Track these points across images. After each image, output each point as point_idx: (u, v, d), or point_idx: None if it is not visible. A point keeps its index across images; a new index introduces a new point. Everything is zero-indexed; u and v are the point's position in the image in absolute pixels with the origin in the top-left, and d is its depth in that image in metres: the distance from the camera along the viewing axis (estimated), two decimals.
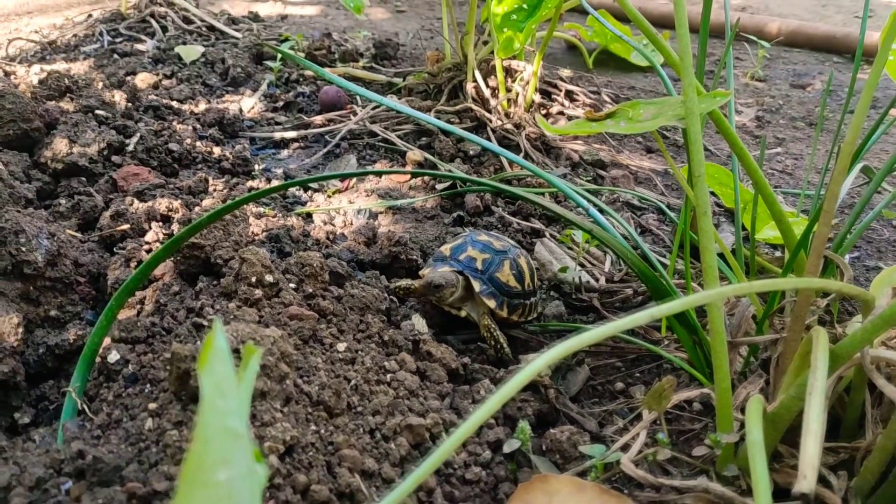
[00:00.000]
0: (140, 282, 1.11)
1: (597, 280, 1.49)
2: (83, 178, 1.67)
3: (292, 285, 1.22)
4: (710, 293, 0.76)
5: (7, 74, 2.42)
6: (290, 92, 2.51)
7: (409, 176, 1.95)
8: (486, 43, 2.34)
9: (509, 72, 2.21)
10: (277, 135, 2.16)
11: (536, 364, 0.64)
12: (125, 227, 1.38)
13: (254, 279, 1.17)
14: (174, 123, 1.98)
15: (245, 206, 1.58)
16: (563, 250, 1.57)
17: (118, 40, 2.96)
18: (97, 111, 1.88)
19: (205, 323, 1.10)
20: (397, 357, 1.11)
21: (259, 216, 1.57)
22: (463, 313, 1.34)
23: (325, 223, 1.74)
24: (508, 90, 2.19)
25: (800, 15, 3.63)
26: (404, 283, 1.38)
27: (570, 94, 2.33)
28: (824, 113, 2.58)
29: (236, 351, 0.89)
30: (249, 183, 1.82)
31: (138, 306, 1.25)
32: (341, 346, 1.10)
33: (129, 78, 2.45)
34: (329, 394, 0.95)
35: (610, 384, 1.21)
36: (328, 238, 1.61)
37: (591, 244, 1.56)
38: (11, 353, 1.11)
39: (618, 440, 1.03)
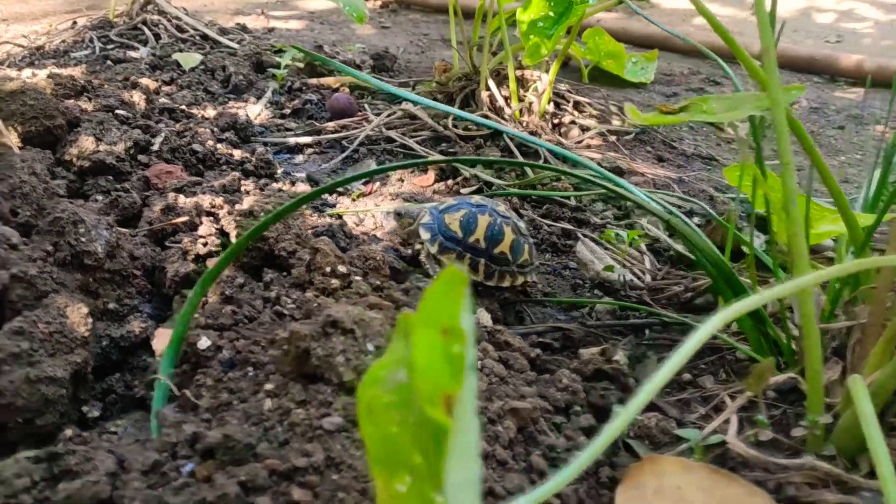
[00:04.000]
0: (222, 269, 1.09)
1: (639, 279, 1.51)
2: (110, 177, 1.63)
3: (358, 277, 1.21)
4: (808, 278, 0.79)
5: None
6: (296, 99, 2.50)
7: (432, 180, 1.95)
8: (494, 53, 2.37)
9: (521, 81, 2.24)
10: (292, 140, 2.14)
11: (713, 323, 0.66)
12: (182, 219, 1.35)
13: (328, 269, 1.16)
14: (193, 125, 1.95)
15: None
16: (602, 250, 1.59)
17: (109, 47, 2.90)
18: (117, 111, 1.85)
19: (285, 311, 1.09)
20: (479, 346, 1.11)
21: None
22: (418, 247, 1.44)
23: (357, 224, 1.73)
24: (521, 99, 2.22)
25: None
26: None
27: (577, 105, 2.37)
28: (814, 129, 2.68)
29: (350, 331, 0.88)
30: (276, 185, 1.80)
31: (204, 298, 1.22)
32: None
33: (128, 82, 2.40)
34: None
35: (676, 375, 1.23)
36: (364, 237, 1.61)
37: (636, 244, 1.59)
38: (82, 343, 1.07)
39: (703, 426, 1.05)
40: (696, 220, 1.83)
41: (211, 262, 1.30)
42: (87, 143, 1.64)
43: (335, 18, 4.13)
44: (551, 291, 1.52)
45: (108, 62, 2.74)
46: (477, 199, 1.44)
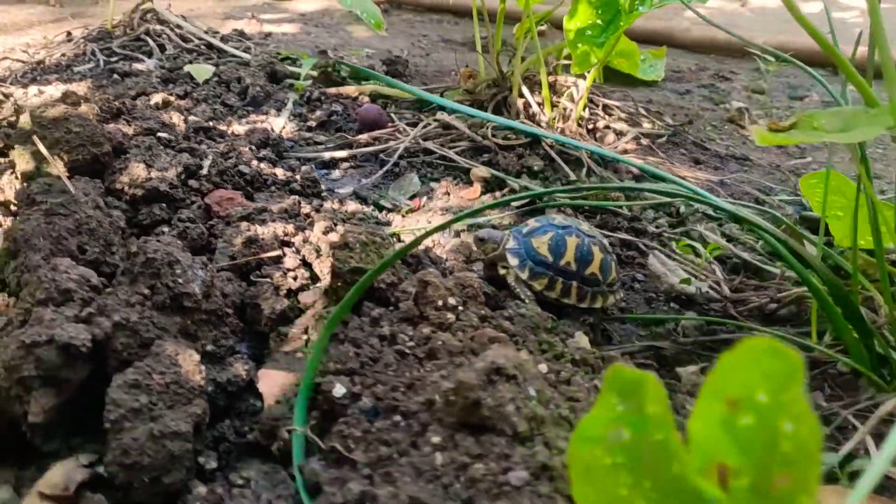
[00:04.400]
0: (348, 310, 1.07)
1: (716, 290, 1.51)
2: (163, 204, 1.58)
3: (460, 308, 1.19)
4: None
5: (6, 97, 2.27)
6: (317, 111, 2.45)
7: (479, 192, 1.93)
8: (523, 59, 2.35)
9: (553, 87, 2.23)
10: (326, 154, 2.10)
11: None
12: (273, 253, 1.31)
13: (440, 303, 1.14)
14: (233, 145, 1.90)
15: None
16: (672, 262, 1.59)
17: (113, 59, 2.82)
18: (159, 133, 1.79)
19: (406, 350, 1.06)
20: (599, 375, 1.10)
21: None
22: (503, 272, 1.40)
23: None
24: (554, 105, 2.21)
25: (774, 28, 3.81)
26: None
27: (606, 108, 2.37)
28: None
29: (513, 377, 0.86)
30: (328, 204, 1.76)
31: (304, 336, 1.19)
32: (543, 368, 1.08)
33: (141, 98, 2.34)
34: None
35: None
36: (433, 259, 1.58)
37: (712, 255, 1.59)
38: (199, 392, 1.04)
39: (833, 448, 1.05)
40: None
41: (304, 298, 1.26)
42: (138, 170, 1.59)
43: (328, 21, 4.07)
44: (627, 307, 1.51)
45: (115, 76, 2.66)
46: (559, 219, 1.43)
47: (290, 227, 1.45)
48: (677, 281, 1.52)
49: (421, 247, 1.68)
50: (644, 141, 2.24)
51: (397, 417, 0.92)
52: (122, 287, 1.16)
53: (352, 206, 1.81)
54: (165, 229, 1.46)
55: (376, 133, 2.21)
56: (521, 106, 2.18)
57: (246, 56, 2.87)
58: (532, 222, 1.42)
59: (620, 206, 1.82)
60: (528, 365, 0.89)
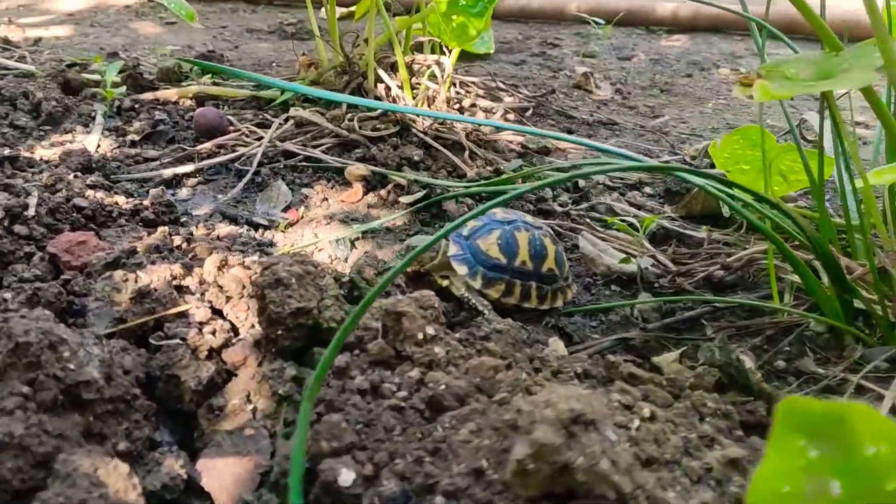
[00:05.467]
0: (328, 367, 0.83)
1: (659, 266, 1.42)
2: None
3: (440, 336, 0.99)
4: None
5: None
6: (134, 121, 2.09)
7: (360, 194, 1.71)
8: (366, 41, 2.14)
9: (409, 68, 2.04)
10: (167, 171, 1.78)
11: None
12: (182, 307, 1.02)
13: (419, 335, 0.93)
14: (57, 174, 1.54)
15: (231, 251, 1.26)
16: (601, 242, 1.48)
17: None
18: None
19: (403, 405, 0.85)
20: (614, 387, 0.95)
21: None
22: (445, 283, 1.24)
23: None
24: (414, 87, 2.03)
25: None
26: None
27: (464, 86, 2.22)
28: (666, 79, 2.75)
29: (592, 422, 0.69)
30: (197, 230, 1.47)
31: (248, 407, 0.93)
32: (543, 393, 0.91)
33: None
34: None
35: (766, 363, 1.15)
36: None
37: (644, 229, 1.48)
38: None
39: None
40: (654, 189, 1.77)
41: (230, 356, 1.00)
42: None
43: (104, 19, 3.59)
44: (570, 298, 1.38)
45: None
46: (498, 213, 1.26)
47: (177, 269, 1.16)
48: (614, 262, 1.41)
49: (327, 264, 1.45)
50: (511, 116, 2.12)
51: (439, 500, 0.71)
52: None
53: (223, 228, 1.52)
54: (7, 296, 1.11)
55: (220, 140, 1.91)
56: (383, 91, 1.97)
57: (26, 67, 2.40)
58: (471, 222, 1.24)
59: (522, 188, 1.67)
60: (594, 402, 0.71)
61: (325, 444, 0.77)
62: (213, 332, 1.01)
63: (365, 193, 1.72)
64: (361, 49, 2.12)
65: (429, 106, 1.99)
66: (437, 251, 1.21)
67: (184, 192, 1.76)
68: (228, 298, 1.09)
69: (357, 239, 1.57)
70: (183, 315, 1.04)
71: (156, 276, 1.11)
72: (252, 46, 3.09)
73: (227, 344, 1.01)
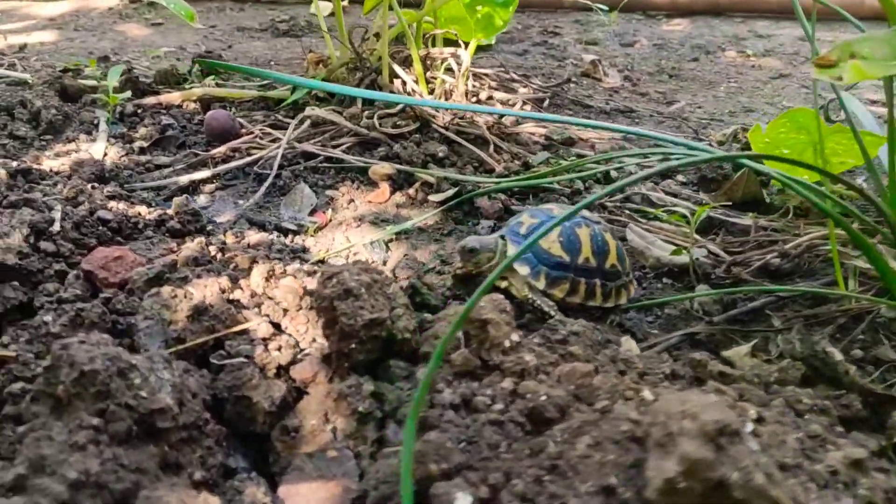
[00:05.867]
0: (429, 386, 0.78)
1: (713, 256, 1.38)
2: (15, 283, 1.15)
3: (522, 342, 0.94)
4: None
5: None
6: (140, 127, 2.02)
7: (388, 195, 1.66)
8: (376, 35, 2.08)
9: (423, 62, 1.99)
10: (183, 178, 1.71)
11: None
12: (245, 325, 0.96)
13: (507, 343, 0.88)
14: (78, 186, 1.47)
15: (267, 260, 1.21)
16: (648, 234, 1.43)
17: None
18: None
19: (503, 419, 0.80)
20: (708, 387, 0.91)
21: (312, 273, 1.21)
22: (504, 284, 1.18)
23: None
24: (429, 81, 1.97)
25: None
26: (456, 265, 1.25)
27: (477, 77, 2.17)
28: (673, 64, 2.72)
29: (736, 432, 0.64)
30: (227, 239, 1.41)
31: (327, 427, 0.88)
32: (647, 395, 0.87)
33: None
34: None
35: (848, 357, 1.11)
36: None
37: (697, 219, 1.44)
38: None
39: None
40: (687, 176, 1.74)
41: (298, 373, 0.94)
42: None
43: (88, 22, 3.48)
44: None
45: None
46: (551, 208, 1.21)
47: (224, 281, 1.10)
48: (665, 254, 1.37)
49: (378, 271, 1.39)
50: (528, 106, 2.07)
51: None
52: (49, 422, 0.78)
53: (252, 236, 1.46)
54: (48, 318, 1.04)
55: (233, 143, 1.84)
56: (399, 87, 1.92)
57: (19, 74, 2.31)
58: (526, 218, 1.19)
59: (554, 181, 1.62)
60: (727, 409, 0.67)
61: (433, 466, 0.72)
62: (279, 349, 0.95)
63: (392, 193, 1.66)
64: (371, 44, 2.06)
65: (446, 99, 1.94)
66: (495, 251, 1.16)
67: (202, 200, 1.69)
68: (285, 311, 1.03)
69: (390, 240, 1.52)
70: (243, 331, 0.98)
71: (207, 290, 1.05)
72: (246, 45, 3.01)
73: (294, 360, 0.95)
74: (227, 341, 0.97)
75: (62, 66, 2.50)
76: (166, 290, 1.05)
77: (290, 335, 0.99)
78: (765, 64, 2.65)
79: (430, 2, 2.02)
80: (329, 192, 1.67)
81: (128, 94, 2.11)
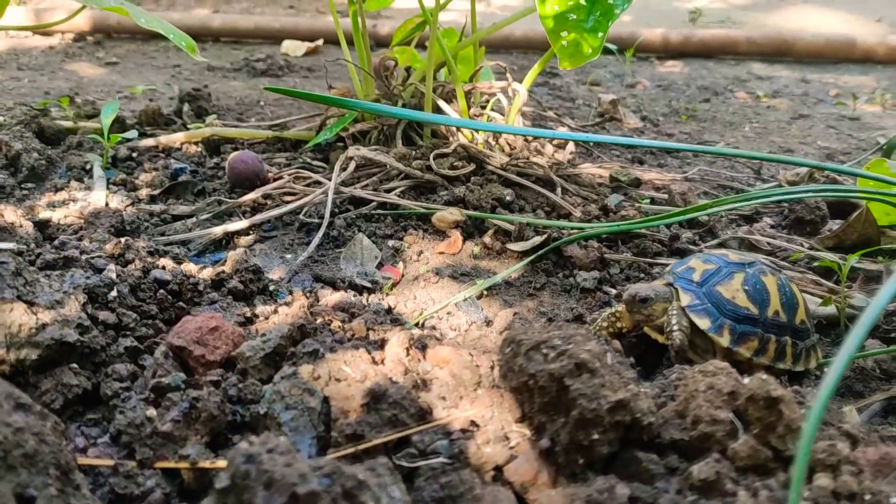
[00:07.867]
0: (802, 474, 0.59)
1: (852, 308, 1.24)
2: (74, 365, 0.90)
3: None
4: None
5: None
6: (140, 173, 1.75)
7: (460, 245, 1.46)
8: (407, 70, 1.90)
9: (468, 97, 1.81)
10: (217, 230, 1.46)
11: None
12: (447, 418, 0.74)
13: (797, 425, 0.70)
14: (128, 243, 1.21)
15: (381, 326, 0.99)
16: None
17: None
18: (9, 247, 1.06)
19: None
20: None
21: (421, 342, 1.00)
22: (662, 339, 1.02)
23: (453, 328, 1.21)
24: (474, 117, 1.79)
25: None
26: (606, 314, 1.08)
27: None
28: (686, 105, 2.63)
29: None
30: (300, 302, 1.17)
31: None
32: None
33: None
34: None
35: None
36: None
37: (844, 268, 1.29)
38: None
39: None
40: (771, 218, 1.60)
41: (514, 473, 0.73)
42: (16, 315, 0.88)
43: (29, 61, 3.16)
44: None
45: None
46: (726, 254, 1.04)
47: (364, 356, 0.88)
48: (811, 306, 1.22)
49: (442, 331, 1.19)
50: (572, 146, 1.92)
51: None
52: None
53: (328, 296, 1.24)
54: (154, 413, 0.79)
55: (265, 189, 1.61)
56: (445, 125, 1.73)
57: None
58: (698, 264, 1.02)
59: (649, 226, 1.46)
60: None
61: None
62: (488, 442, 0.74)
63: (464, 242, 1.46)
64: (398, 79, 1.88)
65: (501, 137, 1.77)
66: (670, 301, 0.98)
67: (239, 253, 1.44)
68: (461, 393, 0.82)
69: (480, 297, 1.32)
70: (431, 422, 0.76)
71: (357, 369, 0.83)
72: (223, 85, 2.76)
73: (510, 458, 0.74)
74: (414, 436, 0.74)
75: (38, 105, 2.20)
76: (305, 370, 0.82)
77: (485, 425, 0.78)
78: (778, 105, 2.60)
79: (483, 31, 1.86)
80: (391, 243, 1.46)
81: (133, 133, 1.84)
